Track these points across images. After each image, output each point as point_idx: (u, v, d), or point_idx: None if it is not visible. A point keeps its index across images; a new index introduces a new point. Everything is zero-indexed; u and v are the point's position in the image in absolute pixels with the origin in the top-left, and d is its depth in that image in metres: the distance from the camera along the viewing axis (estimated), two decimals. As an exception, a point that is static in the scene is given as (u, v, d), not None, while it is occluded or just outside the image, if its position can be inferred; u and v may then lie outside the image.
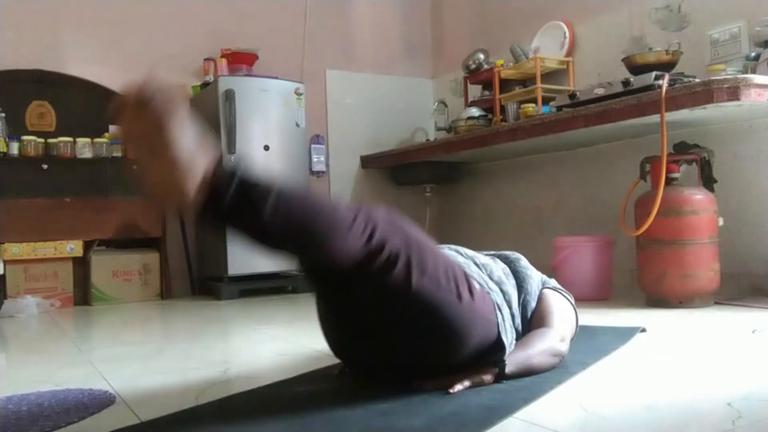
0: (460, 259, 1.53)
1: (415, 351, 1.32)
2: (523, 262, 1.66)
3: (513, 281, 1.58)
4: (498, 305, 1.41)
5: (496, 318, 1.38)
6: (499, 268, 1.58)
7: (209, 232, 1.12)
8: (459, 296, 1.29)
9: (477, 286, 1.38)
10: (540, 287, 1.64)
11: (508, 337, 1.41)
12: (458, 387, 1.30)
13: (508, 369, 1.36)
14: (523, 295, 1.57)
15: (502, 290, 1.50)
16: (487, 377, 1.34)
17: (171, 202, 1.11)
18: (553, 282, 1.71)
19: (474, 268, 1.51)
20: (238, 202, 1.09)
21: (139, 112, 1.05)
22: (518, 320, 1.52)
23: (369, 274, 1.21)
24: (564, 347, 1.51)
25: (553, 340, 1.48)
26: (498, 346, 1.38)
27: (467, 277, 1.36)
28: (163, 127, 1.04)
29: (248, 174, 1.11)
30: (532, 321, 1.55)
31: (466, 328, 1.30)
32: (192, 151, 1.07)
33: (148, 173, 1.08)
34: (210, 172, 1.09)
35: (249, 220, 1.11)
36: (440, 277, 1.27)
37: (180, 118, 1.06)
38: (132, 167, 1.11)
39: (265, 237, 1.15)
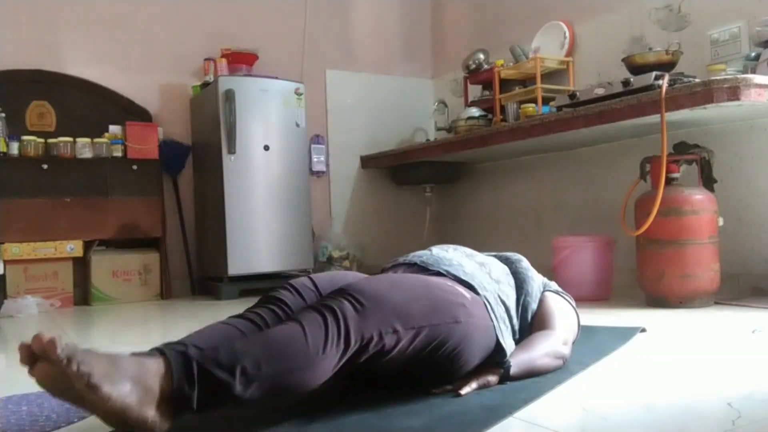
0: (461, 258, 1.53)
1: (425, 379, 1.33)
2: (524, 263, 1.66)
3: (512, 282, 1.58)
4: (490, 305, 1.41)
5: (491, 321, 1.38)
6: (499, 268, 1.58)
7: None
8: (456, 321, 1.29)
9: (467, 294, 1.38)
10: (541, 290, 1.63)
11: (506, 339, 1.41)
12: (466, 389, 1.30)
13: (512, 370, 1.36)
14: (523, 296, 1.57)
15: (499, 288, 1.50)
16: (492, 378, 1.35)
17: (139, 428, 1.01)
18: (554, 285, 1.71)
19: (473, 265, 1.51)
20: (207, 397, 1.05)
21: (50, 364, 0.98)
22: (516, 320, 1.52)
23: (362, 366, 1.20)
24: (566, 350, 1.51)
25: (555, 343, 1.48)
26: (497, 349, 1.38)
27: (457, 293, 1.35)
28: (80, 382, 0.96)
29: (204, 363, 1.05)
30: (534, 323, 1.55)
31: (469, 343, 1.31)
32: (127, 388, 0.99)
33: (96, 411, 1.01)
34: (163, 388, 1.02)
35: (225, 400, 1.07)
36: (432, 318, 1.25)
37: (94, 371, 0.97)
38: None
39: (246, 403, 1.10)
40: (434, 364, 1.29)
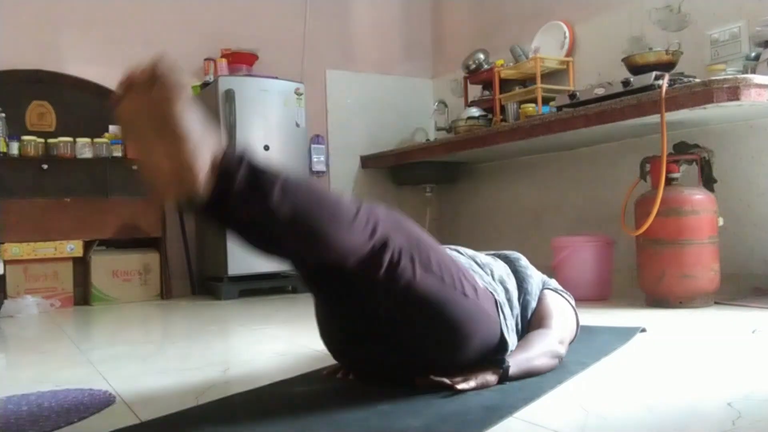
0: (462, 259, 1.53)
1: (419, 350, 1.32)
2: (523, 261, 1.66)
3: (514, 281, 1.58)
4: (500, 304, 1.41)
5: (499, 317, 1.38)
6: (501, 268, 1.58)
7: (211, 225, 1.06)
8: (464, 293, 1.29)
9: (480, 283, 1.38)
10: (540, 287, 1.64)
11: (511, 337, 1.41)
12: (464, 385, 1.30)
13: (511, 371, 1.36)
14: (523, 295, 1.57)
15: (504, 289, 1.50)
16: (492, 378, 1.35)
17: (180, 190, 1.02)
18: (553, 283, 1.71)
19: (476, 267, 1.51)
20: (247, 185, 1.05)
21: (145, 92, 1.00)
22: (519, 319, 1.53)
23: (372, 271, 1.20)
24: (563, 349, 1.51)
25: (552, 342, 1.48)
26: (501, 345, 1.38)
27: (470, 275, 1.36)
28: (171, 106, 0.99)
29: (255, 160, 1.09)
30: (532, 321, 1.55)
31: (470, 325, 1.30)
32: (199, 132, 1.02)
33: (153, 160, 1.02)
34: (218, 155, 1.05)
35: (257, 206, 1.07)
36: (444, 274, 1.27)
37: (186, 99, 1.02)
38: (133, 165, 1.08)
39: (271, 226, 1.10)
40: (433, 332, 1.28)
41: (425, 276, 1.24)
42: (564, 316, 1.58)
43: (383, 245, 1.19)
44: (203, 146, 1.02)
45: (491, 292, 1.41)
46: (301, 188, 1.12)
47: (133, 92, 1.01)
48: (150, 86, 1.00)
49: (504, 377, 1.35)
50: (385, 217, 1.22)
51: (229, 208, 1.07)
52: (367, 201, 1.24)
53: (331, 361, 1.57)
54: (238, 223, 1.11)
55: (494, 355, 1.37)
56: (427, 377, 1.32)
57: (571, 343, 1.62)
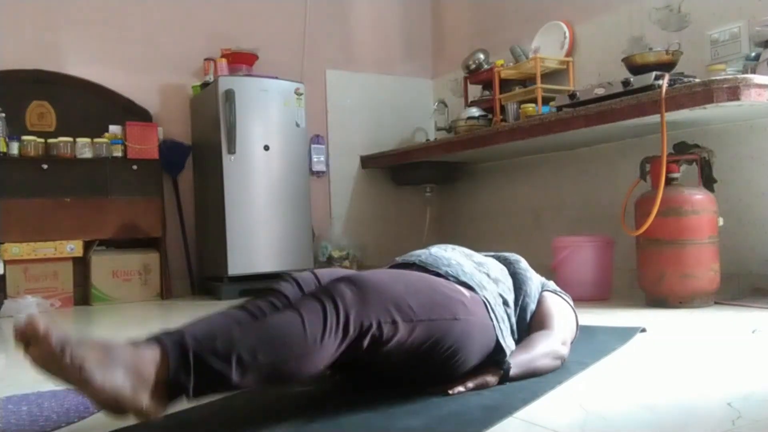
0: (459, 257, 1.53)
1: (424, 377, 1.33)
2: (523, 263, 1.66)
3: (511, 282, 1.58)
4: (490, 305, 1.41)
5: (491, 320, 1.38)
6: (498, 268, 1.58)
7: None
8: (455, 317, 1.29)
9: (467, 293, 1.38)
10: (540, 290, 1.63)
11: (506, 339, 1.41)
12: (458, 388, 1.30)
13: (512, 371, 1.36)
14: (522, 297, 1.57)
15: (498, 289, 1.50)
16: (492, 379, 1.34)
17: (133, 412, 1.01)
18: (552, 285, 1.71)
19: (471, 265, 1.51)
20: (204, 383, 1.05)
21: (36, 348, 0.97)
22: (514, 320, 1.52)
23: (360, 356, 1.19)
24: (565, 350, 1.51)
25: (554, 343, 1.48)
26: (497, 349, 1.38)
27: (456, 290, 1.36)
28: (61, 363, 0.96)
29: (200, 352, 1.05)
30: (533, 323, 1.55)
31: (468, 341, 1.31)
32: (124, 377, 0.99)
33: (90, 397, 0.99)
34: (159, 376, 1.02)
35: (222, 388, 1.08)
36: (430, 314, 1.25)
37: (92, 356, 0.97)
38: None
39: (243, 388, 1.10)
40: (432, 362, 1.29)
41: (412, 328, 1.22)
42: (565, 317, 1.58)
43: (359, 334, 1.15)
44: (136, 383, 1.00)
45: (481, 296, 1.41)
46: (260, 349, 1.08)
47: (30, 346, 0.98)
48: (35, 346, 0.97)
49: (505, 378, 1.35)
50: (352, 301, 1.16)
51: (194, 398, 1.07)
52: (330, 284, 1.20)
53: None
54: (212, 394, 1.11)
55: (493, 357, 1.37)
56: (428, 390, 1.32)
57: (571, 344, 1.62)
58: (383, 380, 1.36)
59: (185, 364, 1.04)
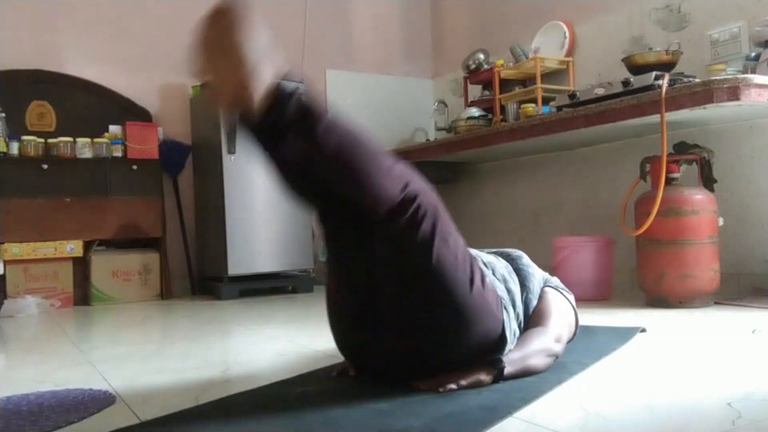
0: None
1: (421, 334, 1.32)
2: (525, 259, 1.66)
3: (516, 279, 1.58)
4: (504, 302, 1.42)
5: (501, 315, 1.38)
6: (503, 266, 1.58)
7: (258, 152, 1.17)
8: (471, 281, 1.31)
9: (487, 279, 1.39)
10: (542, 285, 1.63)
11: (510, 336, 1.41)
12: (451, 386, 1.30)
13: (507, 370, 1.36)
14: (525, 293, 1.57)
15: (506, 288, 1.50)
16: (485, 378, 1.34)
17: (237, 105, 1.15)
18: (555, 280, 1.71)
19: (480, 264, 1.51)
20: (296, 114, 1.15)
21: (219, 21, 1.13)
22: (521, 318, 1.52)
23: (396, 225, 1.23)
24: (559, 347, 1.51)
25: (548, 340, 1.48)
26: (501, 342, 1.38)
27: (480, 267, 1.37)
28: (237, 29, 1.12)
29: (308, 93, 1.17)
30: (531, 319, 1.55)
31: (473, 312, 1.31)
32: (261, 55, 1.13)
33: (218, 80, 1.15)
34: (275, 81, 1.15)
35: (304, 135, 1.16)
36: (458, 253, 1.29)
37: (253, 26, 1.13)
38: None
39: (315, 157, 1.18)
40: (434, 316, 1.29)
41: (441, 246, 1.25)
42: (562, 314, 1.58)
43: (412, 201, 1.23)
44: (262, 68, 1.14)
45: (494, 289, 1.41)
46: (347, 127, 1.20)
47: (210, 21, 1.14)
48: (222, 17, 1.13)
49: (499, 377, 1.35)
50: (417, 179, 1.27)
51: (278, 133, 1.17)
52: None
53: (331, 360, 1.57)
54: (283, 153, 1.19)
55: (492, 353, 1.37)
56: (419, 382, 1.33)
57: (570, 341, 1.62)
58: (389, 353, 1.36)
59: (292, 92, 1.16)
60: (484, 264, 1.53)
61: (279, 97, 1.15)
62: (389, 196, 1.21)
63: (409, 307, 1.31)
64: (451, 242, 1.28)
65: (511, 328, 1.41)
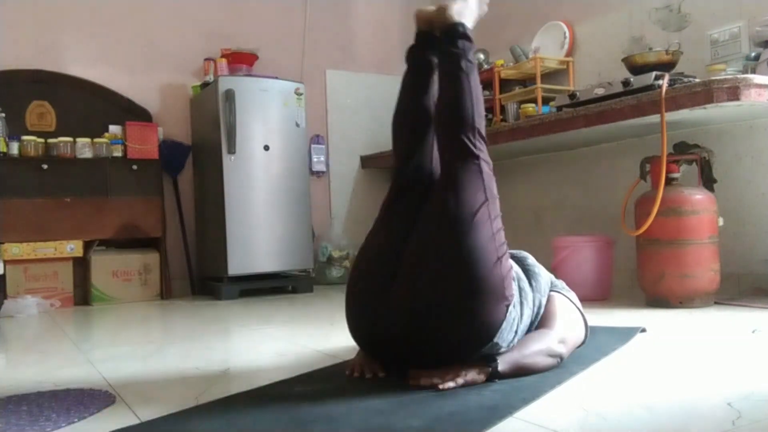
0: None
1: (428, 307, 1.35)
2: (531, 260, 1.66)
3: (527, 281, 1.58)
4: (521, 295, 1.46)
5: (506, 310, 1.37)
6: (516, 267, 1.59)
7: (426, 57, 1.80)
8: (499, 259, 1.36)
9: (513, 272, 1.43)
10: (549, 286, 1.64)
11: (504, 334, 1.39)
12: (450, 384, 1.31)
13: (500, 367, 1.37)
14: (534, 294, 1.57)
15: (520, 287, 1.50)
16: (479, 377, 1.35)
17: (438, 18, 1.64)
18: (561, 284, 1.71)
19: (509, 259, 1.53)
20: (462, 43, 1.58)
21: None
22: (534, 318, 1.53)
23: (463, 160, 1.50)
24: (562, 348, 1.51)
25: (551, 341, 1.48)
26: (493, 334, 1.37)
27: (510, 260, 1.42)
28: None
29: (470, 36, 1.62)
30: (539, 322, 1.55)
31: (486, 288, 1.33)
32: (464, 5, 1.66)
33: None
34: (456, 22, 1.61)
35: (459, 56, 1.55)
36: (496, 236, 1.38)
37: None
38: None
39: (456, 77, 1.53)
40: (450, 285, 1.33)
41: (486, 213, 1.39)
42: (568, 317, 1.58)
43: (483, 144, 1.57)
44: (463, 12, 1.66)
45: (513, 283, 1.43)
46: (476, 72, 1.58)
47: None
48: None
49: (494, 375, 1.36)
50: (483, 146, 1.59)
51: (450, 46, 1.58)
52: None
53: (331, 360, 1.57)
54: (443, 61, 1.61)
55: (483, 344, 1.37)
56: (416, 378, 1.35)
57: (580, 346, 1.61)
58: (401, 327, 1.39)
59: (463, 31, 1.64)
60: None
61: (452, 30, 1.61)
62: (474, 145, 1.54)
63: (428, 272, 1.36)
64: (495, 224, 1.40)
65: (514, 325, 1.40)
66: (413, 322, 1.37)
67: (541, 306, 1.56)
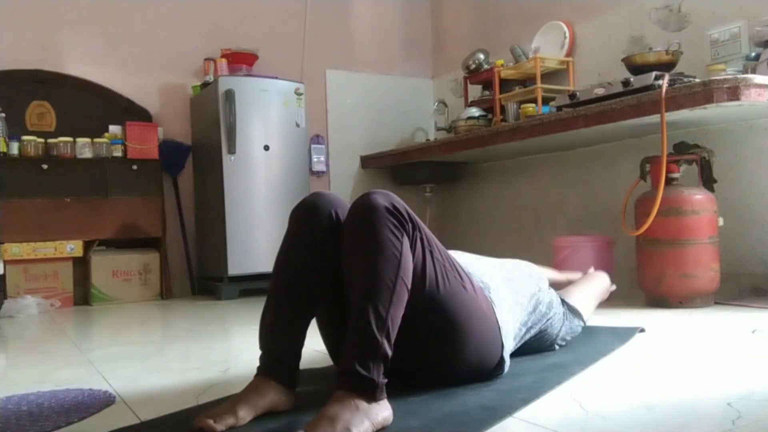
0: (460, 259, 1.53)
1: (419, 345, 1.31)
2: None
3: (526, 278, 1.61)
4: (493, 302, 1.42)
5: (496, 320, 1.38)
6: (510, 264, 1.61)
7: None
8: (463, 286, 1.32)
9: (476, 282, 1.40)
10: (536, 281, 1.66)
11: (508, 340, 1.41)
12: None
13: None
14: (538, 292, 1.61)
15: (511, 287, 1.51)
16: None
17: None
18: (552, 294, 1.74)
19: (485, 269, 1.54)
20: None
21: None
22: (527, 320, 1.54)
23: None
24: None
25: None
26: (501, 349, 1.38)
27: (467, 274, 1.38)
28: None
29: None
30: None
31: (469, 320, 1.31)
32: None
33: None
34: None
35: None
36: (445, 261, 1.31)
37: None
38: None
39: None
40: (433, 326, 1.29)
41: (432, 259, 1.28)
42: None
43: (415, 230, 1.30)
44: None
45: (482, 288, 1.42)
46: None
47: None
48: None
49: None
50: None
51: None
52: None
53: (331, 360, 1.57)
54: None
55: (492, 365, 1.37)
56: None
57: (573, 336, 1.65)
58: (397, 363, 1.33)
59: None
60: (489, 266, 1.55)
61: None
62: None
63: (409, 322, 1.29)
64: (437, 254, 1.31)
65: (505, 331, 1.41)
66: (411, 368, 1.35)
67: (551, 304, 1.60)
